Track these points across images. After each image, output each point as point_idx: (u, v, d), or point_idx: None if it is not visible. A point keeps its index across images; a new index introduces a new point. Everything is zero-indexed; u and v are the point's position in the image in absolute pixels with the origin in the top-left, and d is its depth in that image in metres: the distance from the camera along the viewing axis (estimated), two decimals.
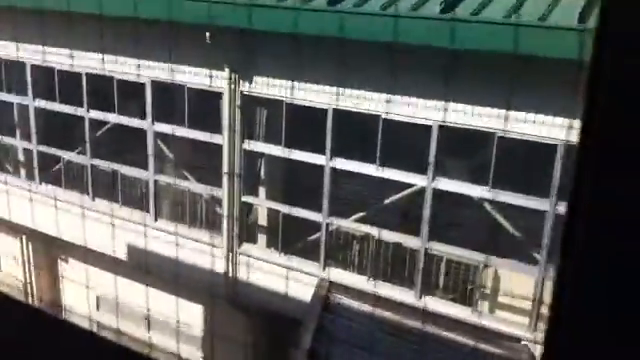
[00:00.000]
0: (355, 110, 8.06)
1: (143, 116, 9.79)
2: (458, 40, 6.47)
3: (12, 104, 11.21)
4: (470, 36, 6.56)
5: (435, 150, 7.65)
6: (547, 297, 7.57)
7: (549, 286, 7.52)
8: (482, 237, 8.29)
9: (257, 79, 8.71)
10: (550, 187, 7.11)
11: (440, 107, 7.49)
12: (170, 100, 9.71)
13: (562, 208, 7.11)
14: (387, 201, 8.47)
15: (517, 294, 8.08)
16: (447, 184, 7.79)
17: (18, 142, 11.50)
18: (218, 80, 8.89)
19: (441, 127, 7.54)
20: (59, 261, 12.14)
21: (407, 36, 6.76)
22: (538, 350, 7.63)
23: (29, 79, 10.72)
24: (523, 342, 7.77)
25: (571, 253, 0.72)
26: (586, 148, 0.69)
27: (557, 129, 6.94)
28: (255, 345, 9.71)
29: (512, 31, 6.25)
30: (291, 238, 9.36)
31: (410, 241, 8.32)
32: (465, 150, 8.11)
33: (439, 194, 7.85)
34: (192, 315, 10.34)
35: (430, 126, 7.61)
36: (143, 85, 9.57)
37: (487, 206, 7.79)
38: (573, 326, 0.74)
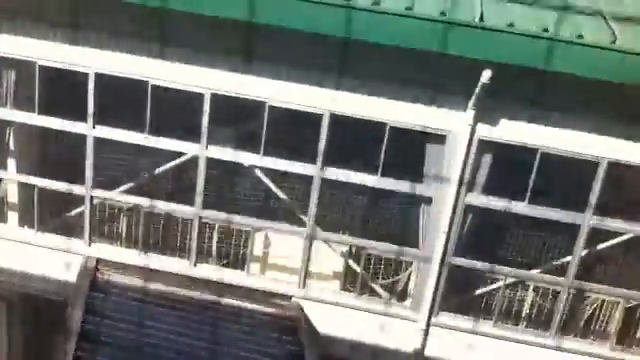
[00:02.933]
0: (121, 75, 7.60)
1: None
2: None
3: None
4: None
5: (208, 118, 7.62)
6: (313, 256, 8.18)
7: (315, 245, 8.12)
8: (254, 203, 8.59)
9: (3, 36, 7.67)
10: (317, 152, 7.61)
11: (211, 75, 7.45)
12: None
13: (326, 173, 7.68)
14: (158, 170, 8.22)
15: (286, 255, 8.54)
16: (220, 152, 7.84)
17: None
18: None
19: (213, 95, 7.52)
20: None
21: None
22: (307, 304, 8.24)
23: None
24: (294, 299, 8.29)
25: None
26: None
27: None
28: (16, 334, 8.80)
29: None
30: (49, 215, 8.58)
31: (183, 210, 8.23)
32: (236, 119, 8.21)
33: (212, 162, 7.88)
34: None
35: (202, 94, 7.54)
36: None
37: (258, 172, 8.04)
38: None
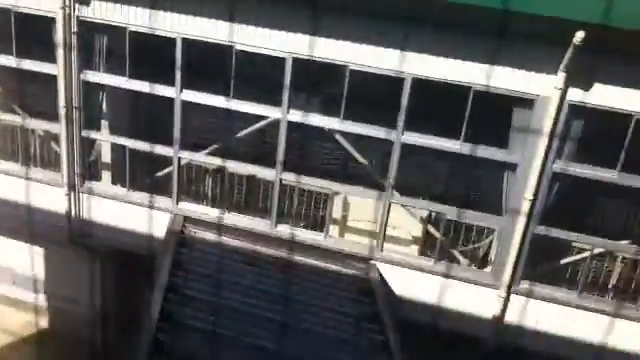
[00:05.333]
0: (206, 40, 7.75)
1: None
2: None
3: None
4: None
5: (290, 82, 7.66)
6: (392, 220, 8.17)
7: (394, 209, 8.11)
8: (333, 167, 8.63)
9: (95, 3, 7.98)
10: (397, 118, 7.53)
11: (295, 39, 7.45)
12: None
13: (406, 137, 7.59)
14: (241, 134, 8.40)
15: (365, 218, 8.57)
16: (300, 116, 7.90)
17: None
18: (49, 3, 8.00)
19: (295, 60, 7.55)
20: None
21: None
22: (384, 267, 8.29)
23: None
24: (372, 261, 8.35)
25: None
26: None
27: (404, 63, 7.27)
28: (107, 285, 9.37)
29: None
30: (140, 174, 8.99)
31: (265, 172, 8.40)
32: (317, 83, 8.21)
33: (293, 126, 7.95)
34: (33, 259, 9.65)
35: (284, 58, 7.58)
36: None
37: (338, 137, 8.05)
38: None
